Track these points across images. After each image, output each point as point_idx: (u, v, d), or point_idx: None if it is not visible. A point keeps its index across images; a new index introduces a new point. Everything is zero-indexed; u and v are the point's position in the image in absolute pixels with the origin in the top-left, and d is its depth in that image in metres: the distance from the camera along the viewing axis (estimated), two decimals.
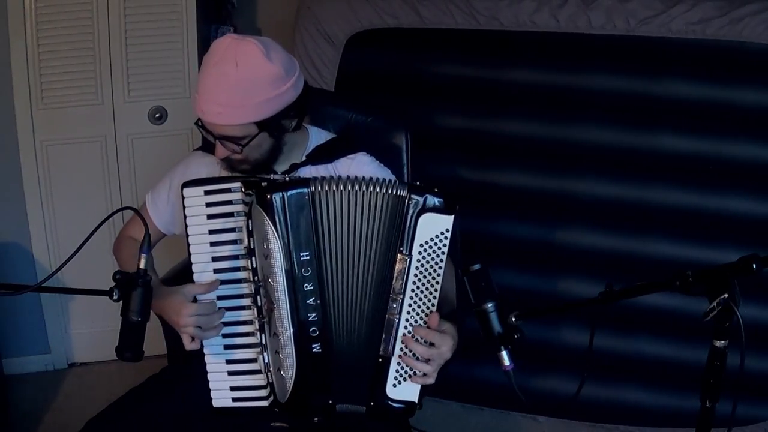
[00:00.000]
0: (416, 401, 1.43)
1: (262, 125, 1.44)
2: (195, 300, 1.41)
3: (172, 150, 2.61)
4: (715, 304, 1.10)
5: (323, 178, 1.41)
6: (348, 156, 1.61)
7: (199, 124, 1.46)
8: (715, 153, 2.17)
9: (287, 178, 1.43)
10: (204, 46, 2.65)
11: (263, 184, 1.38)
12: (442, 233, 1.37)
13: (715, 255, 2.17)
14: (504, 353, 1.30)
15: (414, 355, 1.39)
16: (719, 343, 1.13)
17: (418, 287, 1.39)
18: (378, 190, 1.39)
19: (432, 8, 2.30)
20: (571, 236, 2.31)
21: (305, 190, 1.37)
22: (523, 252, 2.34)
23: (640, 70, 2.19)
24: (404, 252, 1.37)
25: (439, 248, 1.38)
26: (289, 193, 1.36)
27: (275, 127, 1.47)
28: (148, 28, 2.52)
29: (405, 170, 1.89)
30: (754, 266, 1.08)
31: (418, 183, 1.40)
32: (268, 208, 1.35)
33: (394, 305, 1.39)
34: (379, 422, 1.47)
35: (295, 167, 1.56)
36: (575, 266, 2.31)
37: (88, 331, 2.78)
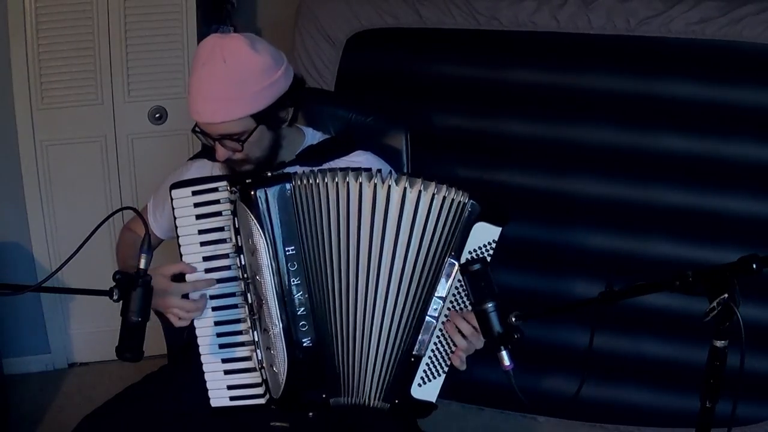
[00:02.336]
0: (434, 402, 1.45)
1: (259, 118, 1.44)
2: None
3: (172, 150, 2.62)
4: (715, 304, 1.10)
5: (309, 171, 1.41)
6: (344, 157, 1.60)
7: (197, 129, 1.46)
8: (716, 153, 2.17)
9: (269, 174, 1.43)
10: None
11: (247, 180, 1.38)
12: (489, 243, 1.39)
13: (715, 255, 2.17)
14: (504, 353, 1.29)
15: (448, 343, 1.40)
16: (719, 343, 1.13)
17: (459, 293, 1.40)
18: (434, 192, 1.38)
19: (432, 8, 2.30)
20: (571, 236, 2.30)
21: (288, 185, 1.38)
22: (524, 252, 2.34)
23: (640, 70, 2.19)
24: (453, 257, 1.38)
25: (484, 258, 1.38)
26: (272, 188, 1.37)
27: (272, 118, 1.47)
28: (148, 28, 2.52)
29: (405, 170, 1.89)
30: (754, 266, 1.07)
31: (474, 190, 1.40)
32: (252, 205, 1.36)
33: (436, 307, 1.40)
34: (382, 413, 1.48)
35: (282, 165, 1.54)
36: (575, 266, 2.31)
37: (88, 331, 2.78)
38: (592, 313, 1.26)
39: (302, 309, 1.40)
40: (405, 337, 1.42)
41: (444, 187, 1.39)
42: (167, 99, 2.62)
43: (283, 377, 1.41)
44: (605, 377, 2.31)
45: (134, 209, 1.37)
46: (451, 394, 2.46)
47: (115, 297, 1.22)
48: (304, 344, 1.41)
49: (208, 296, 1.44)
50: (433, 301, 1.40)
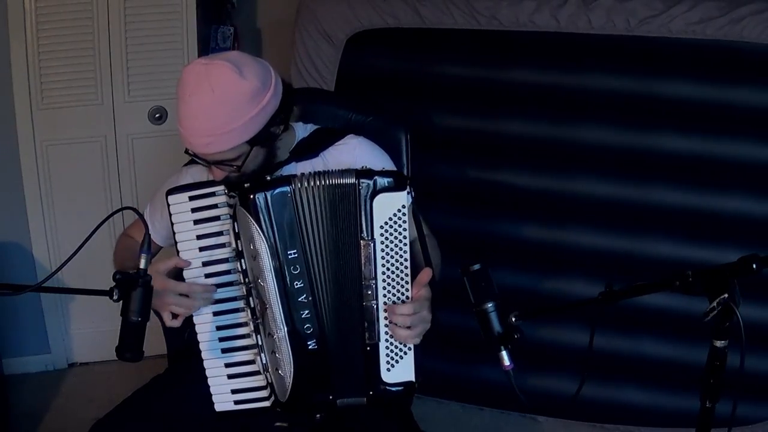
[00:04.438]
0: (413, 380, 1.44)
1: (252, 141, 1.42)
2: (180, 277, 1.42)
3: (172, 150, 2.60)
4: (715, 304, 1.10)
5: (303, 174, 1.40)
6: (335, 144, 1.58)
7: (191, 152, 1.45)
8: (715, 153, 2.17)
9: (268, 178, 1.42)
10: (204, 47, 2.65)
11: (246, 185, 1.38)
12: (399, 210, 1.38)
13: (715, 255, 2.17)
14: (504, 353, 1.30)
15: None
16: (719, 343, 1.13)
17: (388, 269, 1.39)
18: (325, 182, 1.38)
19: (432, 8, 2.30)
20: (571, 236, 2.31)
21: (287, 188, 1.38)
22: (524, 252, 2.34)
23: (640, 70, 2.19)
24: (366, 237, 1.38)
25: (400, 226, 1.38)
26: (271, 192, 1.37)
27: (265, 137, 1.45)
28: (148, 28, 2.52)
29: (405, 170, 1.89)
30: (754, 266, 1.08)
31: (365, 167, 1.40)
32: (252, 209, 1.36)
33: (369, 292, 1.40)
34: (382, 412, 1.48)
35: (279, 166, 1.54)
36: (575, 266, 2.31)
37: (88, 331, 2.78)
38: (592, 313, 1.26)
39: (306, 312, 1.41)
40: (358, 327, 1.41)
41: (339, 175, 1.39)
42: (167, 99, 2.62)
43: (289, 380, 1.42)
44: (605, 377, 2.31)
45: (134, 209, 1.37)
46: (451, 394, 2.46)
47: (115, 297, 1.22)
48: (310, 346, 1.42)
49: (205, 297, 1.43)
50: (364, 286, 1.40)
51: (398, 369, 1.43)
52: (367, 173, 1.39)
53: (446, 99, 2.36)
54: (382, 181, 1.38)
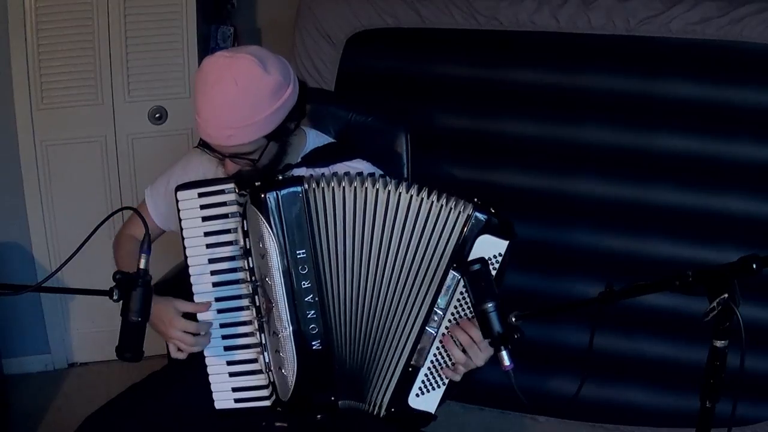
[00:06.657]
0: (433, 413, 1.45)
1: (270, 136, 1.43)
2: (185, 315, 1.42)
3: (172, 150, 2.61)
4: (715, 304, 1.10)
5: (320, 175, 1.40)
6: (345, 162, 1.60)
7: (205, 145, 1.45)
8: (715, 153, 2.17)
9: (280, 177, 1.42)
10: (204, 47, 2.66)
11: (257, 183, 1.38)
12: (495, 256, 1.37)
13: (715, 255, 2.17)
14: (504, 353, 1.29)
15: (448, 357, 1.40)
16: (719, 343, 1.13)
17: (461, 304, 1.39)
18: (439, 201, 1.37)
19: (432, 8, 2.30)
20: (571, 236, 2.31)
21: (299, 188, 1.37)
22: (523, 252, 2.34)
23: (640, 70, 2.19)
24: (455, 269, 1.37)
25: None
26: (283, 191, 1.36)
27: (282, 133, 1.47)
28: (148, 28, 2.52)
29: (405, 170, 1.89)
30: (754, 266, 1.07)
31: (477, 200, 1.39)
32: (263, 207, 1.36)
33: (435, 318, 1.39)
34: (381, 423, 1.47)
35: (289, 167, 1.54)
36: (575, 266, 2.31)
37: (88, 331, 2.78)
38: (592, 313, 1.26)
39: (312, 312, 1.40)
40: (405, 346, 1.42)
41: (451, 198, 1.38)
42: (167, 99, 2.62)
43: (292, 380, 1.41)
44: (605, 377, 2.31)
45: (134, 209, 1.37)
46: (451, 394, 2.46)
47: (115, 297, 1.22)
48: (314, 347, 1.41)
49: (211, 335, 1.44)
50: (434, 311, 1.39)
51: (426, 398, 1.44)
52: (485, 208, 1.38)
53: (446, 99, 2.36)
54: (493, 222, 1.37)
